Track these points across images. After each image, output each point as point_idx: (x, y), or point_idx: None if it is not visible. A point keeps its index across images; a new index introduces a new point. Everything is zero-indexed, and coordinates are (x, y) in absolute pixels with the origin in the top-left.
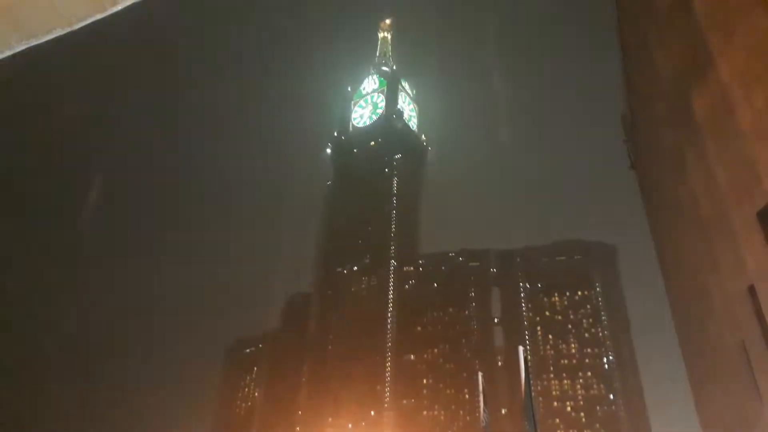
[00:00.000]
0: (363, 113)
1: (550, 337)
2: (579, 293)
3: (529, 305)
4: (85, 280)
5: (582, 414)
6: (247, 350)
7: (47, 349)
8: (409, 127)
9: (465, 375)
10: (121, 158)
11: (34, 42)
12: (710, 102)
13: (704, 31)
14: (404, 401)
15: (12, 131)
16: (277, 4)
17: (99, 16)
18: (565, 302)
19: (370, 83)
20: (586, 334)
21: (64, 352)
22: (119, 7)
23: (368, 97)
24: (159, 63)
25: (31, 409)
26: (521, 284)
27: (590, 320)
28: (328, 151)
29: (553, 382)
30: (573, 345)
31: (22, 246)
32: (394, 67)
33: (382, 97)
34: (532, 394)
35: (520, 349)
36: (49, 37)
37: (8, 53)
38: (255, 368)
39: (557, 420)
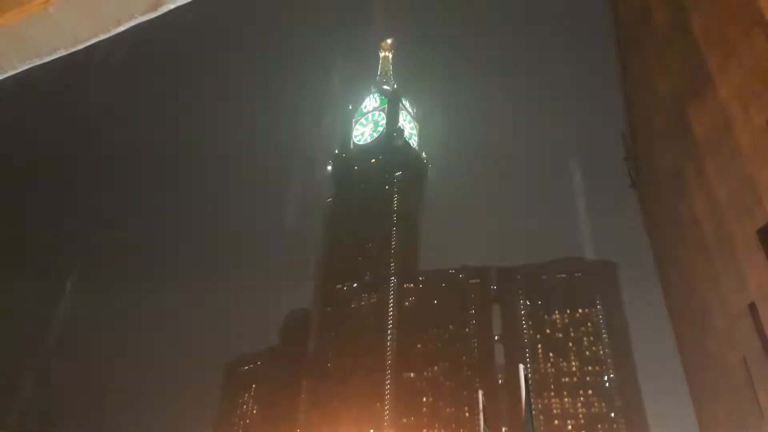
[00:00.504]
0: (364, 131)
1: (551, 354)
2: (580, 311)
3: (530, 323)
4: (84, 294)
5: None
6: (246, 367)
7: (47, 365)
8: (409, 144)
9: (465, 393)
10: (123, 180)
11: (38, 61)
12: (709, 120)
13: (703, 51)
14: (404, 419)
15: (15, 147)
16: (278, 24)
17: (102, 37)
18: (566, 320)
19: (371, 101)
20: (587, 352)
21: (64, 367)
22: (122, 28)
23: (369, 115)
24: (161, 82)
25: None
26: (522, 301)
27: (591, 338)
28: (329, 168)
29: (553, 400)
30: (574, 363)
31: (23, 255)
32: (395, 86)
33: (382, 115)
34: (533, 412)
35: (521, 367)
36: (52, 57)
37: (12, 73)
38: (253, 385)
39: None
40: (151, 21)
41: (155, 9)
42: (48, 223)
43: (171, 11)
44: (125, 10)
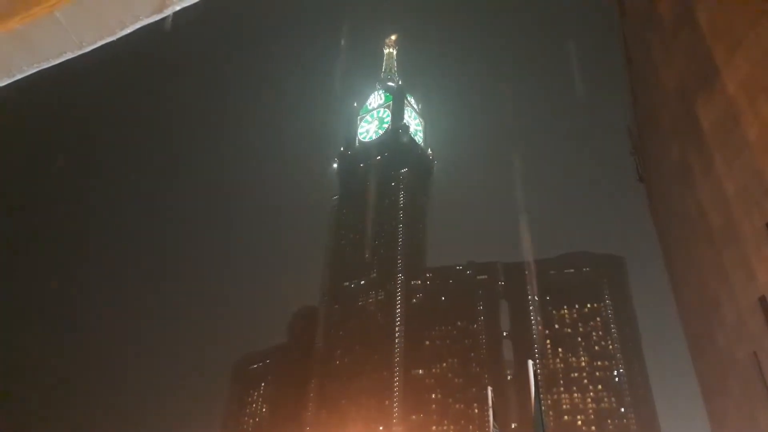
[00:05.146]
0: (369, 128)
1: (560, 350)
2: (588, 306)
3: (538, 318)
4: (92, 294)
5: (593, 428)
6: (255, 366)
7: (55, 364)
8: (415, 141)
9: (474, 389)
10: (131, 179)
11: (45, 65)
12: (716, 114)
13: (709, 44)
14: (413, 416)
15: (23, 150)
16: (283, 21)
17: (108, 39)
18: (575, 315)
19: (376, 98)
20: (596, 347)
21: (72, 366)
22: (127, 30)
23: (374, 112)
24: (168, 82)
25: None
26: (530, 297)
27: (600, 333)
28: (335, 165)
29: (563, 395)
30: (583, 358)
31: (30, 254)
32: (400, 82)
33: (388, 112)
34: (542, 408)
35: (530, 362)
36: (59, 60)
37: (19, 76)
38: (262, 384)
39: None
40: (156, 23)
41: (160, 10)
42: (53, 222)
43: (176, 13)
44: (130, 11)
